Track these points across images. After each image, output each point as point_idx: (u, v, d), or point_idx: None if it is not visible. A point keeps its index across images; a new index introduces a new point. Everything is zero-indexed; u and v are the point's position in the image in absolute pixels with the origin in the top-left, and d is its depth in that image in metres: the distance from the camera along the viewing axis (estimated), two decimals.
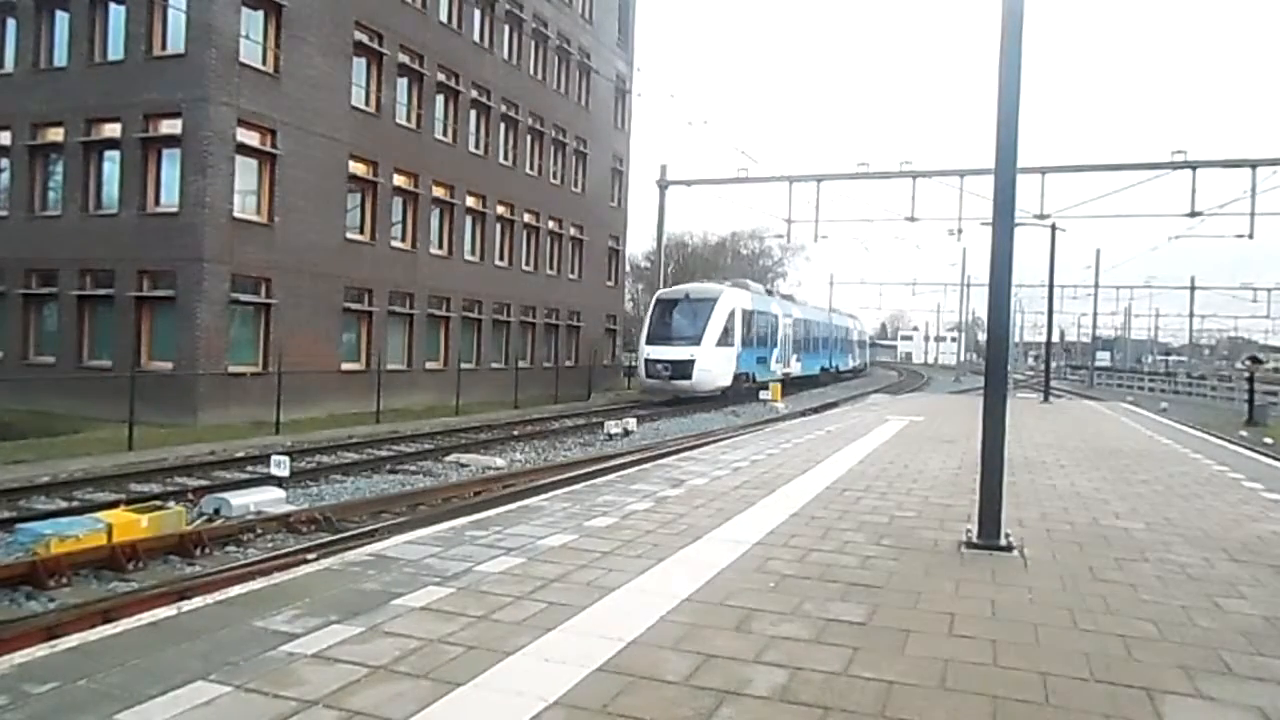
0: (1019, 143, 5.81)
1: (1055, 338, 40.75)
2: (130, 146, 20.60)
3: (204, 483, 11.55)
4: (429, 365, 26.76)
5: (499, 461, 13.94)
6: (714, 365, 29.31)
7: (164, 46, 20.71)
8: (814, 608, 4.28)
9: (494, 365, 29.95)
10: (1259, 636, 4.07)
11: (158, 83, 20.19)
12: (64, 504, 10.39)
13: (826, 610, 4.25)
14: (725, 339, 30.16)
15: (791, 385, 36.48)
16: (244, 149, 20.58)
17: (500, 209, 30.50)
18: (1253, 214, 23.97)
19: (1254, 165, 23.65)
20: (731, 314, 30.69)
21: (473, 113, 28.97)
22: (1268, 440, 20.53)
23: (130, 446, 14.71)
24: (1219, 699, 3.31)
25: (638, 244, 59.34)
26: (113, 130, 20.95)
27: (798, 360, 39.31)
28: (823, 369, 44.98)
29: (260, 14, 21.23)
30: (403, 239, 26.08)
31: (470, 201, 28.88)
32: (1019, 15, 5.76)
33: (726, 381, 30.02)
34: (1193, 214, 24.34)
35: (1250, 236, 24.50)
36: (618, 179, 39.98)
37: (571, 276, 35.77)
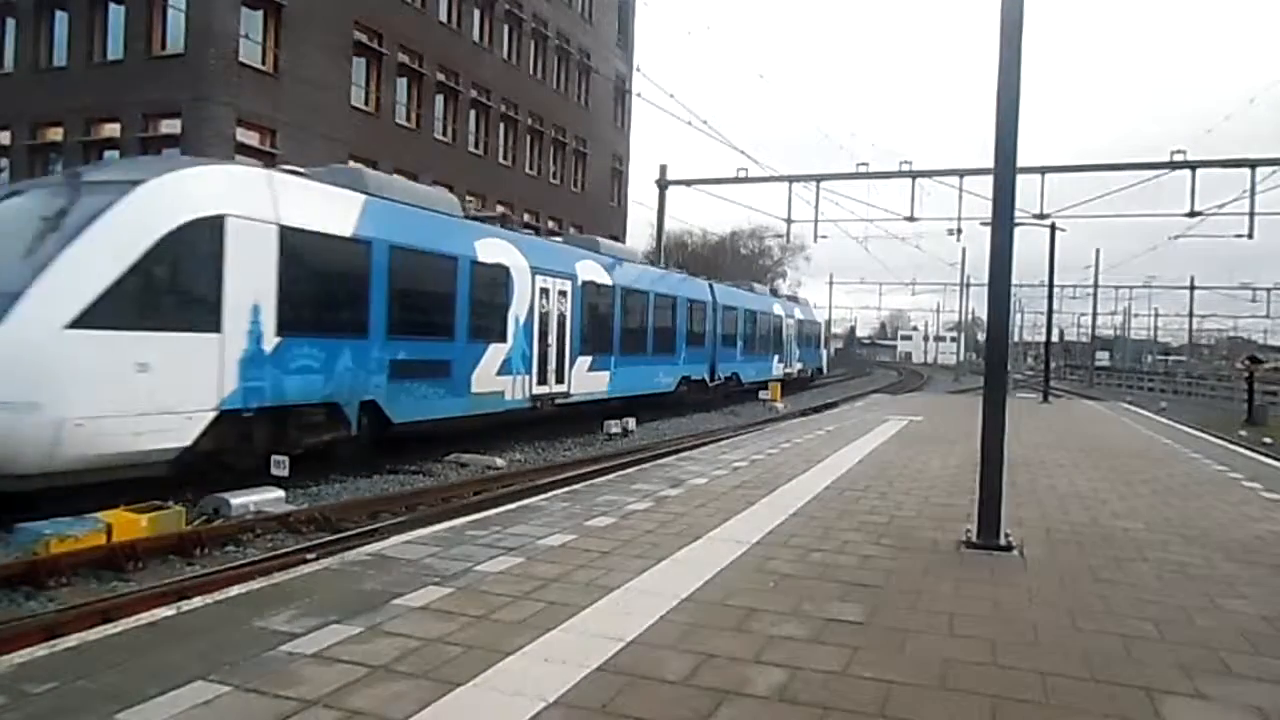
0: (1019, 143, 5.82)
1: (1055, 337, 40.76)
2: (130, 146, 20.62)
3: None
4: None
5: (499, 461, 13.92)
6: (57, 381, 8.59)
7: (164, 46, 20.73)
8: (814, 607, 4.29)
9: None
10: (1258, 636, 4.07)
11: (157, 83, 20.20)
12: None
13: (826, 610, 4.25)
14: (136, 305, 9.30)
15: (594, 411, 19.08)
16: (244, 149, 20.59)
17: (500, 209, 30.49)
18: (1252, 214, 23.95)
19: (1253, 165, 23.62)
20: (187, 232, 9.72)
21: (472, 113, 28.98)
22: (1267, 440, 20.52)
23: None
24: (1218, 699, 3.32)
25: (637, 244, 59.32)
26: (112, 130, 20.98)
27: (597, 366, 18.88)
28: (688, 380, 24.39)
29: (260, 14, 21.24)
30: None
31: (470, 202, 28.89)
32: (1018, 15, 5.76)
33: (157, 444, 9.44)
34: (1192, 214, 24.29)
35: (1250, 236, 24.49)
36: (617, 179, 39.99)
37: None
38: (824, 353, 45.45)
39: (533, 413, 16.67)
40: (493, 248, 15.39)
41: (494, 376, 15.14)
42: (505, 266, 15.49)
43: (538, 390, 16.55)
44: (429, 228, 13.84)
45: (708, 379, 25.80)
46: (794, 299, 42.98)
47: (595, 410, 19.14)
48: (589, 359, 18.38)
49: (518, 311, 15.77)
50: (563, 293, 17.39)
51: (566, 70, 34.71)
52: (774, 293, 37.65)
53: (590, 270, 18.68)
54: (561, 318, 17.33)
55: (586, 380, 18.45)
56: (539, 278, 16.39)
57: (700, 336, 25.45)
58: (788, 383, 33.41)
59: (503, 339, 15.38)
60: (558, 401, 17.43)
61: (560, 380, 17.39)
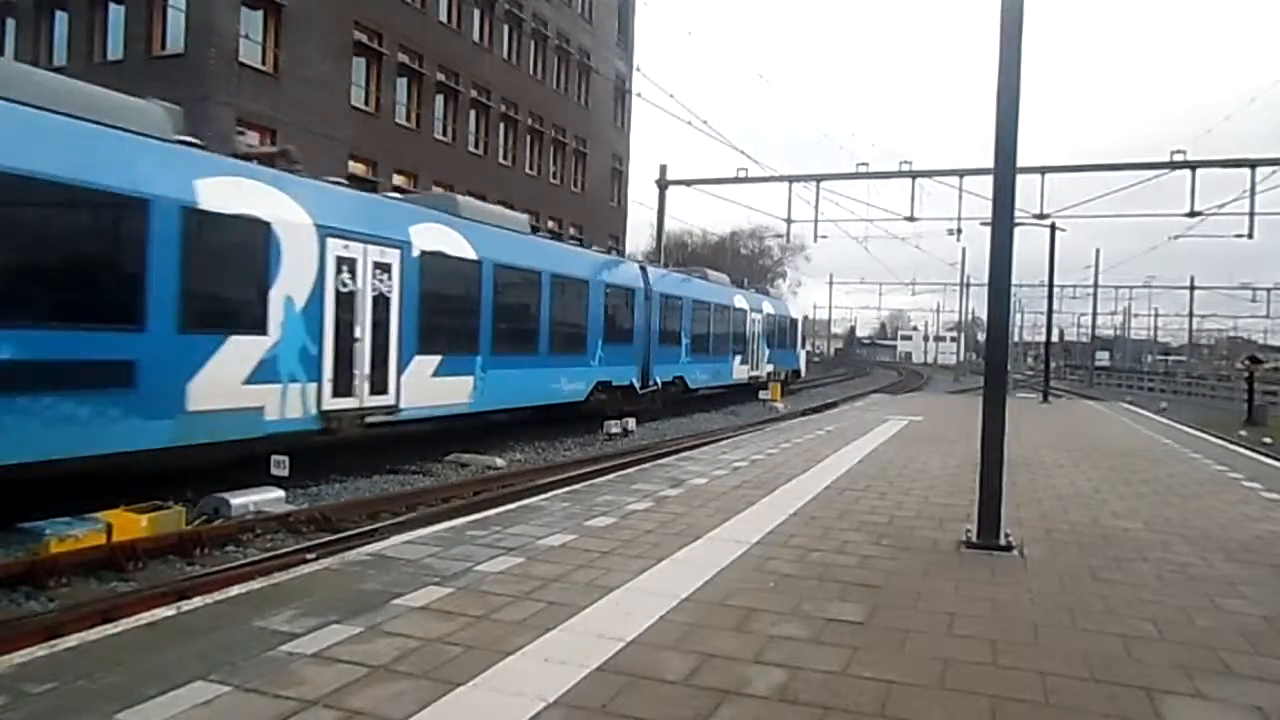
0: (1018, 142, 5.82)
1: (1055, 337, 40.74)
2: None
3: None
4: None
5: (499, 461, 13.92)
6: None
7: (163, 46, 20.75)
8: (813, 607, 4.29)
9: None
10: (1258, 636, 4.07)
11: (157, 83, 20.11)
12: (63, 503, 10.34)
13: (826, 610, 4.25)
14: None
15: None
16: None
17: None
18: (1252, 214, 23.95)
19: (1253, 165, 23.61)
20: None
21: (472, 113, 29.00)
22: (1267, 440, 20.53)
23: None
24: (1219, 699, 3.32)
25: (637, 244, 59.20)
26: None
27: (450, 369, 13.99)
28: (606, 386, 19.36)
29: (260, 14, 21.25)
30: None
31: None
32: (1018, 15, 5.76)
33: None
34: (1192, 214, 24.29)
35: (1250, 236, 24.49)
36: (617, 179, 40.01)
37: None
38: (802, 353, 39.09)
39: (328, 437, 11.69)
40: (236, 192, 10.35)
41: (240, 386, 10.26)
42: (263, 222, 10.62)
43: (335, 404, 11.47)
44: (60, 142, 8.48)
45: (637, 384, 20.83)
46: (763, 291, 36.01)
47: (450, 431, 15.02)
48: (434, 360, 13.39)
49: (292, 290, 10.97)
50: (383, 266, 12.34)
51: (566, 70, 34.73)
52: (740, 284, 32.16)
53: (436, 237, 13.60)
54: (382, 301, 12.33)
55: (430, 389, 13.33)
56: (335, 242, 11.48)
57: (627, 332, 20.42)
58: (755, 387, 29.46)
59: (259, 328, 10.56)
60: (374, 420, 12.36)
61: (380, 389, 12.27)
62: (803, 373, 38.76)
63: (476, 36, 29.20)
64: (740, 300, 29.47)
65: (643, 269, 22.47)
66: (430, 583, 4.53)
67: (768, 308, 32.70)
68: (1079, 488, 8.47)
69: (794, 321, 37.03)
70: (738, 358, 28.56)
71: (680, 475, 8.47)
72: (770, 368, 32.19)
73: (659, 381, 21.92)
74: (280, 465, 10.43)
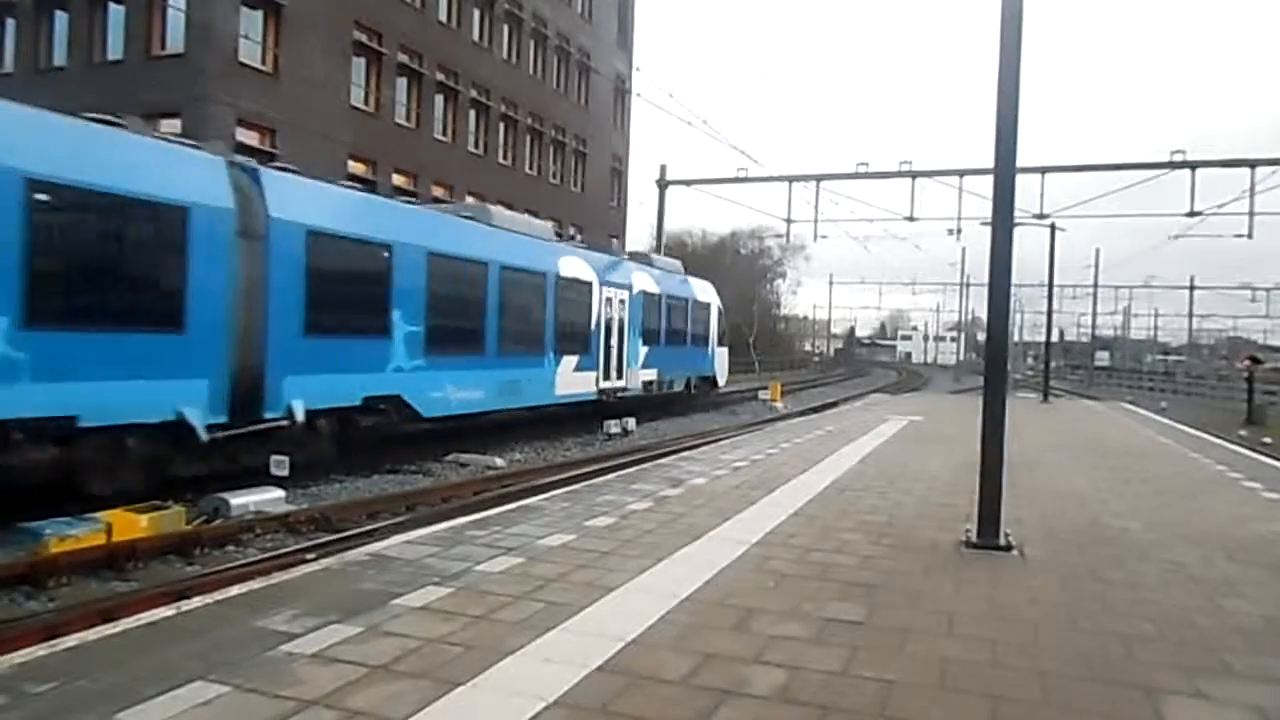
0: (1018, 142, 5.82)
1: (1055, 337, 40.69)
2: None
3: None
4: None
5: (499, 461, 13.92)
6: None
7: (163, 46, 20.74)
8: (813, 607, 4.28)
9: None
10: (1259, 636, 4.07)
11: (157, 83, 20.19)
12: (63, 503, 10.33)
13: (826, 610, 4.25)
14: None
15: None
16: (243, 149, 20.55)
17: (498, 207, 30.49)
18: (1251, 214, 23.96)
19: (1253, 165, 23.62)
20: None
21: (472, 112, 28.99)
22: (1266, 440, 20.52)
23: None
24: (1219, 699, 3.32)
25: (637, 244, 59.09)
26: None
27: None
28: (42, 430, 8.05)
29: (259, 14, 21.25)
30: None
31: (469, 201, 28.89)
32: (1018, 15, 5.76)
33: None
34: (1192, 214, 24.31)
35: (1249, 236, 24.51)
36: (617, 179, 40.00)
37: None
38: (720, 353, 26.60)
39: None
40: None
41: None
42: None
43: None
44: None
45: (198, 420, 9.69)
46: (643, 257, 23.40)
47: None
48: None
49: None
50: None
51: (566, 70, 34.73)
52: (607, 249, 21.76)
53: None
54: None
55: None
56: None
57: (166, 304, 9.53)
58: (612, 408, 19.08)
59: None
60: None
61: None
62: (721, 381, 27.04)
63: (476, 36, 29.20)
64: (577, 265, 18.02)
65: (246, 170, 10.78)
66: (430, 583, 4.53)
67: (645, 283, 21.20)
68: (1079, 487, 8.47)
69: (704, 307, 25.23)
70: (569, 360, 17.55)
71: (680, 475, 8.47)
72: (650, 375, 21.37)
73: (302, 410, 11.00)
74: (280, 465, 10.43)
